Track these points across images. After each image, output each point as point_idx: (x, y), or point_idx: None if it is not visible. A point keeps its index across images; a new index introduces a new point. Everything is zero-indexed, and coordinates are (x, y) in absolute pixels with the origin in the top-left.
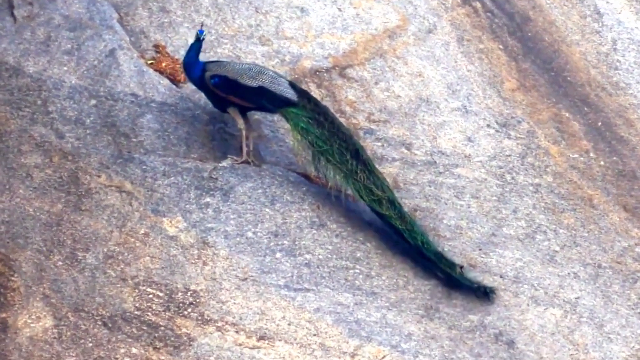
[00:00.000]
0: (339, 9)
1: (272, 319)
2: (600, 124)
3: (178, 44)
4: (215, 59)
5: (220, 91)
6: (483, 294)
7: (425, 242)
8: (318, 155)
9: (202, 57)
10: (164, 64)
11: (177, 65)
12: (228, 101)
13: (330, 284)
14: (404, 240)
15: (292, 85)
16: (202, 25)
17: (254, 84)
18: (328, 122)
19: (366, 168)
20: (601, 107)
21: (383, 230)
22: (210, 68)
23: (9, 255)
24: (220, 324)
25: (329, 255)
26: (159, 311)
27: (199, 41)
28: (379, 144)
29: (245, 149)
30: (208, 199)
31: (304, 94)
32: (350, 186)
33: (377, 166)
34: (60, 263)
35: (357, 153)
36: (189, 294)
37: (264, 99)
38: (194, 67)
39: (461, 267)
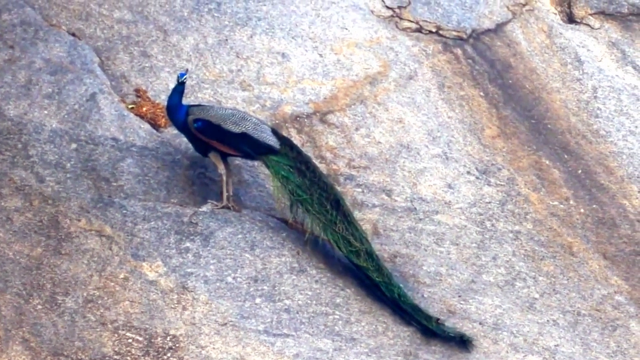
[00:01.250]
0: (320, 55)
1: None
2: (580, 171)
3: (159, 89)
4: (196, 103)
5: (203, 135)
6: (460, 344)
7: (402, 295)
8: (297, 204)
9: (184, 101)
10: (144, 109)
11: (158, 110)
12: (210, 146)
13: (309, 330)
14: (381, 293)
15: (275, 132)
16: (185, 70)
17: (237, 129)
18: (309, 171)
19: (345, 219)
20: (581, 154)
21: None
22: (193, 112)
23: None
24: None
25: (309, 301)
26: (139, 356)
27: (180, 84)
28: (359, 190)
29: (225, 194)
30: (188, 244)
31: (286, 142)
32: (329, 237)
33: (357, 213)
34: (39, 307)
35: (337, 203)
36: (168, 338)
37: (246, 145)
38: (177, 110)
39: (437, 320)
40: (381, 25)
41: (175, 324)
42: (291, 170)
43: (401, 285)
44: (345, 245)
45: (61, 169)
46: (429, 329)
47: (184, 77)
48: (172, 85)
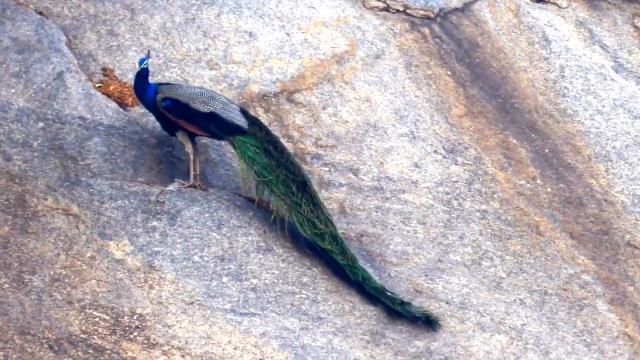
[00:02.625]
0: (287, 34)
1: (218, 343)
2: (547, 150)
3: (126, 68)
4: (165, 82)
5: (171, 115)
6: (427, 324)
7: (366, 278)
8: (262, 185)
9: (150, 81)
10: (111, 87)
11: (125, 89)
12: (177, 125)
13: (276, 309)
14: (345, 275)
15: (243, 112)
16: (147, 55)
17: (205, 109)
18: (277, 152)
19: (311, 201)
20: (548, 134)
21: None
22: (162, 90)
23: None
24: (166, 347)
25: (275, 280)
26: (105, 335)
27: (142, 69)
28: (326, 169)
29: (192, 173)
30: (155, 223)
31: (255, 122)
32: (294, 218)
33: (323, 192)
34: (6, 286)
35: (303, 185)
36: (135, 317)
37: (214, 124)
38: (145, 92)
39: (401, 302)
40: (348, 4)
41: (142, 303)
42: (257, 151)
43: (365, 268)
44: (310, 228)
45: (28, 147)
46: (394, 310)
47: (145, 62)
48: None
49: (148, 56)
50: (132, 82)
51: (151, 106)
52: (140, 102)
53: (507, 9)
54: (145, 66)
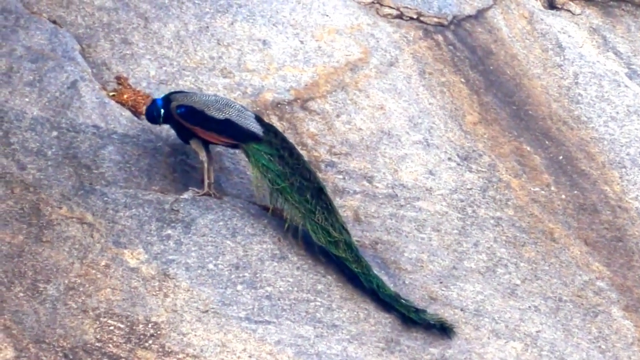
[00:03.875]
0: (301, 42)
1: (232, 351)
2: (561, 157)
3: (140, 76)
4: (178, 90)
5: (186, 122)
6: (441, 331)
7: (381, 286)
8: (276, 192)
9: (164, 89)
10: (125, 96)
11: (139, 97)
12: (192, 132)
13: (291, 317)
14: (359, 283)
15: (259, 119)
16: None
17: (220, 116)
18: (293, 159)
19: (326, 209)
20: (562, 140)
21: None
22: (176, 98)
23: None
24: (181, 356)
25: (290, 288)
26: (120, 343)
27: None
28: (340, 176)
29: (206, 181)
30: (169, 231)
31: (270, 129)
32: (307, 226)
33: (337, 200)
34: (21, 294)
35: (318, 192)
36: (150, 325)
37: (229, 132)
38: (154, 112)
39: (416, 310)
40: (362, 12)
41: (156, 311)
42: (271, 158)
43: (379, 276)
44: (324, 236)
45: (42, 156)
46: (409, 317)
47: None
48: (152, 73)
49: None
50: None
51: (166, 118)
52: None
53: (520, 15)
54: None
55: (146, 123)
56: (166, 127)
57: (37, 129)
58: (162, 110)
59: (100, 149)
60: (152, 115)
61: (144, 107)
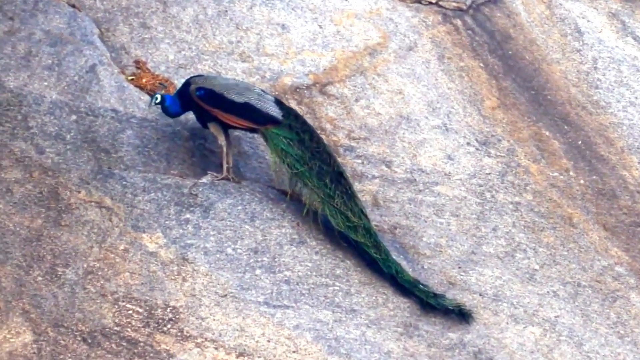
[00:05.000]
0: (320, 26)
1: (251, 335)
2: (580, 142)
3: (159, 60)
4: (197, 74)
5: (206, 104)
6: (460, 316)
7: (399, 271)
8: (295, 177)
9: (183, 73)
10: (144, 80)
11: (158, 81)
12: (212, 115)
13: (309, 301)
14: (378, 268)
15: (279, 102)
16: (162, 89)
17: (240, 99)
18: (313, 142)
19: (345, 193)
20: (581, 125)
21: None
22: (195, 81)
23: None
24: (199, 340)
25: (309, 272)
26: (139, 327)
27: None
28: (359, 161)
29: (225, 166)
30: (188, 215)
31: (290, 112)
32: (326, 211)
33: (356, 184)
34: (40, 278)
35: (338, 177)
36: (168, 310)
37: (249, 115)
38: (177, 111)
39: (434, 295)
40: None
41: (175, 296)
42: (291, 143)
43: (398, 261)
44: (343, 220)
45: (61, 140)
46: (427, 302)
47: (156, 100)
48: (171, 57)
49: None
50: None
51: (186, 103)
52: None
53: (539, 0)
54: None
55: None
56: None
57: (55, 113)
58: (174, 99)
59: (119, 132)
60: (170, 110)
61: (157, 98)
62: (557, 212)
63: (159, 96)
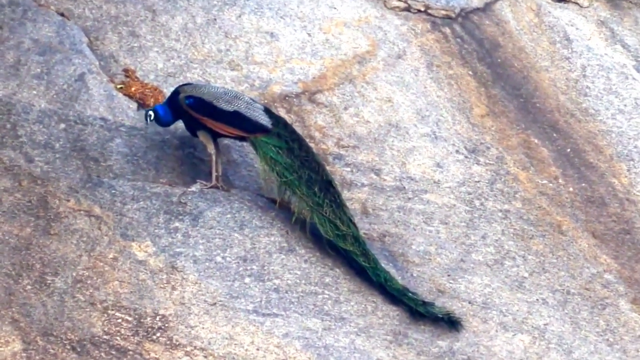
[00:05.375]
0: (309, 34)
1: (240, 344)
2: (569, 150)
3: (148, 69)
4: (186, 82)
5: (195, 112)
6: (449, 324)
7: (388, 279)
8: (284, 186)
9: (172, 82)
10: (133, 89)
11: (147, 90)
12: (201, 123)
13: (298, 309)
14: (367, 276)
15: (267, 111)
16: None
17: (229, 108)
18: (302, 151)
19: (334, 202)
20: (570, 133)
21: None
22: (184, 90)
23: None
24: (189, 348)
25: (298, 281)
26: (128, 335)
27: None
28: (348, 169)
29: (214, 174)
30: (177, 224)
31: (279, 120)
32: (315, 219)
33: (345, 192)
34: (29, 287)
35: (327, 185)
36: (157, 318)
37: (238, 123)
38: (168, 121)
39: (423, 303)
40: (369, 5)
41: (164, 304)
42: (280, 151)
43: (387, 269)
44: (332, 229)
45: (50, 149)
46: (417, 310)
47: (150, 117)
48: (160, 65)
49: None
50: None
51: (175, 112)
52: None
53: (528, 8)
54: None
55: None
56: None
57: (44, 122)
58: (165, 108)
59: (108, 141)
60: (163, 120)
61: (151, 115)
62: (546, 219)
63: (151, 113)
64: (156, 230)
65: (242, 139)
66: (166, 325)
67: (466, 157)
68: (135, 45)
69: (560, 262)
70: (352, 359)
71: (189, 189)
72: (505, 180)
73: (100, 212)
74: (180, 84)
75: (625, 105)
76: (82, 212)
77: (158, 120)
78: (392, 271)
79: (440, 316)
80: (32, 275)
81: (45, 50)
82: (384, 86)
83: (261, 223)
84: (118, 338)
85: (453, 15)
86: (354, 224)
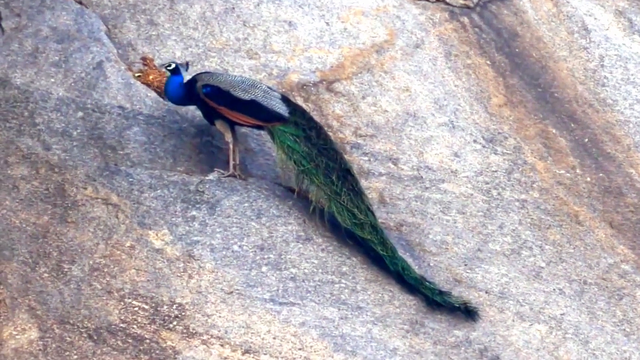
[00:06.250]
0: (327, 23)
1: (257, 332)
2: (586, 140)
3: (166, 57)
4: (204, 71)
5: (212, 101)
6: (466, 313)
7: (406, 268)
8: (302, 175)
9: (190, 70)
10: (151, 77)
11: (165, 78)
12: (218, 113)
13: (315, 298)
14: (384, 265)
15: (285, 99)
16: (185, 64)
17: (246, 96)
18: (320, 139)
19: (352, 190)
20: (588, 123)
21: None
22: (202, 78)
23: None
24: (205, 337)
25: (315, 270)
26: (145, 324)
27: (176, 75)
28: (366, 158)
29: (232, 162)
30: (194, 212)
31: (297, 108)
32: (333, 208)
33: (363, 182)
34: (46, 275)
35: (345, 174)
36: (174, 307)
37: (255, 112)
38: (179, 97)
39: (440, 292)
40: None
41: (181, 292)
42: (297, 140)
43: (404, 258)
44: (350, 217)
45: (68, 137)
46: (433, 300)
47: (171, 66)
48: (178, 54)
49: (187, 67)
50: (168, 92)
51: (191, 98)
52: (178, 104)
53: None
54: (171, 68)
55: (171, 104)
56: (192, 107)
57: (62, 110)
58: (182, 85)
59: (126, 129)
60: (171, 88)
61: (171, 65)
62: (563, 209)
63: (174, 65)
64: (173, 219)
65: (259, 127)
66: (183, 313)
67: (484, 146)
68: (154, 33)
69: (577, 252)
70: (368, 348)
71: (207, 178)
72: (523, 170)
73: (118, 200)
74: (198, 72)
75: None
76: (99, 200)
77: (168, 87)
78: (409, 260)
79: (457, 306)
80: (49, 263)
81: (64, 38)
82: (401, 75)
83: (278, 212)
84: (135, 326)
85: (471, 5)
86: (372, 213)
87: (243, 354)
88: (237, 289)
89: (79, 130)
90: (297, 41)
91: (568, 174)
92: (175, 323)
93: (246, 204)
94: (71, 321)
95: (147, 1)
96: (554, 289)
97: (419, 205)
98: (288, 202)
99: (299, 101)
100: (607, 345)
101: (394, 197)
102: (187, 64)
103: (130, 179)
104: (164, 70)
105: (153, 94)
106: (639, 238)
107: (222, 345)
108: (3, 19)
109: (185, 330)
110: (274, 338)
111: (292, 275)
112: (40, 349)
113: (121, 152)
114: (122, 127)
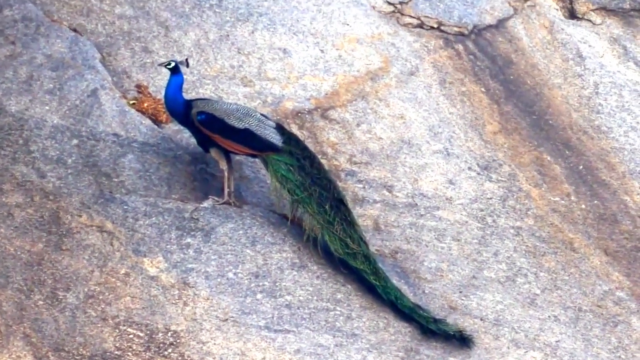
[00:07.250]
0: (322, 51)
1: (252, 359)
2: (581, 167)
3: (160, 84)
4: (200, 97)
5: (206, 129)
6: (461, 341)
7: (399, 297)
8: (295, 203)
9: (185, 97)
10: (145, 104)
11: (159, 106)
12: (212, 140)
13: (310, 326)
14: (377, 295)
15: (280, 128)
16: (186, 61)
17: (240, 125)
18: (314, 169)
19: (345, 220)
20: (582, 150)
21: None
22: (197, 105)
23: None
24: None
25: (310, 297)
26: (140, 351)
27: (174, 73)
28: (361, 185)
29: (226, 190)
30: (189, 240)
31: (291, 138)
32: (325, 237)
33: (357, 209)
34: (41, 302)
35: (338, 203)
36: (169, 334)
37: (248, 141)
38: (176, 102)
39: (434, 320)
40: (382, 21)
41: (176, 320)
42: (291, 169)
43: (398, 287)
44: (342, 247)
45: (62, 164)
46: (428, 328)
47: (170, 65)
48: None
49: (187, 64)
50: (166, 90)
51: (183, 120)
52: (169, 112)
53: (541, 25)
54: (174, 65)
55: (166, 131)
56: (186, 135)
57: (57, 137)
58: (180, 90)
59: (120, 157)
60: (171, 90)
61: (171, 64)
62: (558, 236)
63: (173, 63)
64: (168, 246)
65: (253, 155)
66: (178, 341)
67: (478, 174)
68: (148, 61)
69: (572, 279)
70: None
71: (201, 205)
72: (518, 197)
73: (112, 227)
74: (195, 98)
75: (637, 123)
76: (94, 227)
77: (169, 88)
78: (404, 288)
79: (452, 333)
80: (43, 290)
81: (58, 65)
82: (396, 103)
83: (273, 239)
84: (130, 354)
85: (466, 32)
86: (365, 242)
87: None
88: (232, 317)
89: (73, 158)
90: (292, 68)
91: (563, 201)
92: (170, 350)
93: (241, 232)
94: (66, 348)
95: (142, 29)
96: (549, 316)
97: (413, 233)
98: (283, 229)
99: (294, 128)
100: None
101: (388, 224)
102: (187, 60)
103: (125, 207)
104: (164, 69)
105: (148, 122)
106: (634, 265)
107: None
108: None
109: (180, 358)
110: None
111: (287, 303)
112: None
113: (116, 180)
114: (116, 155)
